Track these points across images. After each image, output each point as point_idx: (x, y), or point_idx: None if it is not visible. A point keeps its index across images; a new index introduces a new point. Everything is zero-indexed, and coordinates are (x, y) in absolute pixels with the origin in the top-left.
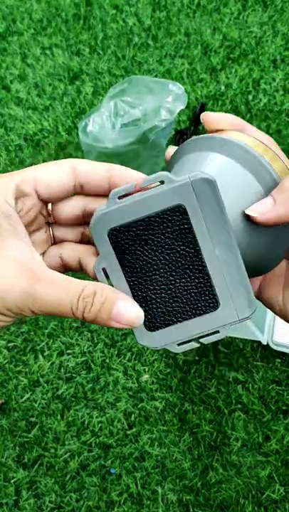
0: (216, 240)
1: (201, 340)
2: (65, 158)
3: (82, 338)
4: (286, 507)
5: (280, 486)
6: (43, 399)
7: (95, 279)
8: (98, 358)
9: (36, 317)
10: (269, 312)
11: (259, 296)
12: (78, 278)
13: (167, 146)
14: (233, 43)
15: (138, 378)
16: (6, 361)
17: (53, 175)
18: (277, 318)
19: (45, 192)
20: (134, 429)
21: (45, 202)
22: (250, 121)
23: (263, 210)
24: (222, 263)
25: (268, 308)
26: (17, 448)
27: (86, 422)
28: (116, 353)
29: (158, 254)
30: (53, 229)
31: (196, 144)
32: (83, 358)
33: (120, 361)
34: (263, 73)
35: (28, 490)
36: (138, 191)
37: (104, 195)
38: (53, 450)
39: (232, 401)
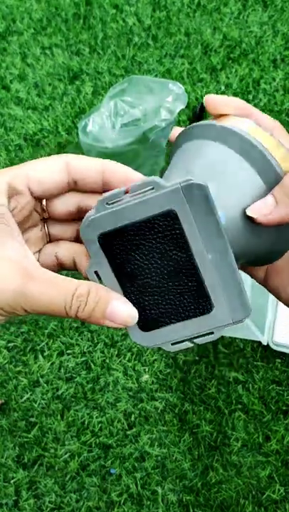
0: (208, 244)
1: (194, 340)
2: None
3: (82, 338)
4: (286, 507)
5: (280, 486)
6: (43, 399)
7: (87, 278)
8: (98, 358)
9: (36, 317)
10: (269, 312)
11: (265, 283)
12: (74, 277)
13: (167, 146)
14: (233, 42)
15: (138, 378)
16: (6, 361)
17: (45, 171)
18: (278, 318)
19: (38, 189)
20: (134, 430)
21: (38, 199)
22: None
23: (265, 212)
24: (215, 267)
25: (274, 296)
26: (17, 448)
27: (86, 422)
28: (116, 353)
29: (150, 259)
30: (49, 226)
31: (196, 131)
32: (83, 358)
33: (120, 361)
34: (263, 73)
35: (27, 490)
36: (128, 194)
37: (98, 191)
38: (52, 450)
39: (232, 401)
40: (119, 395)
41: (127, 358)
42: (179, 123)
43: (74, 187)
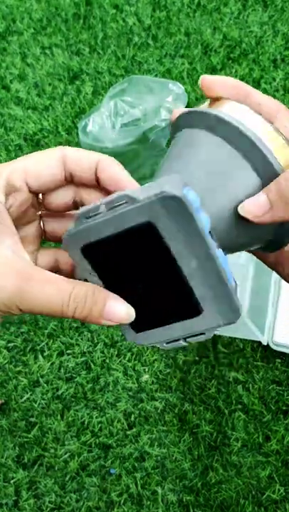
0: (191, 251)
1: (187, 340)
2: None
3: (82, 338)
4: (286, 507)
5: (280, 487)
6: (43, 399)
7: None
8: (98, 358)
9: (36, 317)
10: (269, 312)
11: (278, 271)
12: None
13: (167, 146)
14: (233, 42)
15: (138, 378)
16: (5, 361)
17: (42, 164)
18: (278, 318)
19: (36, 183)
20: (134, 430)
21: (35, 193)
22: None
23: (257, 212)
24: (201, 273)
25: (286, 281)
26: (17, 448)
27: (86, 422)
28: (116, 353)
29: (134, 268)
30: (45, 223)
31: (190, 118)
32: (83, 358)
33: (120, 361)
34: (263, 73)
35: (27, 490)
36: (104, 208)
37: (93, 186)
38: (52, 450)
39: (232, 401)
40: (119, 395)
41: (127, 358)
42: None
43: (70, 180)
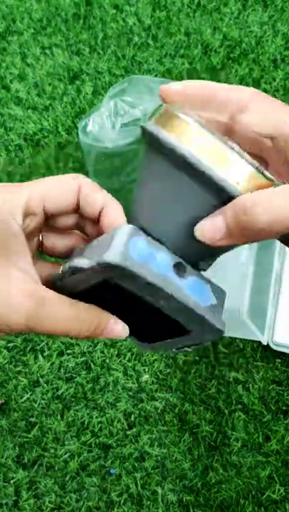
0: (153, 294)
1: (185, 348)
2: (65, 158)
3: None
4: (286, 507)
5: (280, 487)
6: (43, 399)
7: None
8: (98, 358)
9: None
10: (269, 312)
11: None
12: None
13: None
14: (233, 42)
15: (138, 378)
16: (5, 361)
17: (62, 195)
18: (278, 318)
19: (52, 209)
20: (134, 430)
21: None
22: None
23: (214, 237)
24: (173, 306)
25: None
26: (17, 448)
27: (86, 422)
28: (116, 353)
29: (120, 305)
30: (44, 237)
31: (144, 135)
32: (83, 358)
33: (120, 361)
34: (264, 73)
35: (27, 490)
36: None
37: (93, 220)
38: (52, 450)
39: (232, 401)
40: (119, 395)
41: (127, 358)
42: None
43: (76, 208)
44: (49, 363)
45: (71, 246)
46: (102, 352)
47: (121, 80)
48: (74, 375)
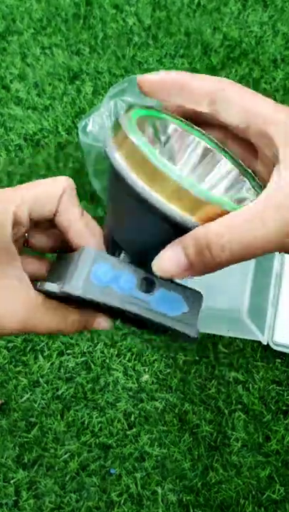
0: (122, 312)
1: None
2: (65, 158)
3: (82, 338)
4: (286, 507)
5: (280, 487)
6: (43, 399)
7: None
8: (98, 358)
9: None
10: (269, 312)
11: None
12: None
13: None
14: (233, 42)
15: (138, 378)
16: (5, 361)
17: (47, 203)
18: (278, 318)
19: (37, 216)
20: (134, 430)
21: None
22: None
23: (174, 270)
24: (144, 320)
25: None
26: (17, 448)
27: (86, 422)
28: (116, 353)
29: (105, 306)
30: (28, 233)
31: (105, 155)
32: (83, 358)
33: (120, 361)
34: (264, 73)
35: (27, 490)
36: None
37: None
38: (52, 450)
39: (232, 401)
40: (119, 395)
41: (127, 358)
42: None
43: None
44: (49, 363)
45: (54, 240)
46: (102, 352)
47: (121, 79)
48: (74, 375)
